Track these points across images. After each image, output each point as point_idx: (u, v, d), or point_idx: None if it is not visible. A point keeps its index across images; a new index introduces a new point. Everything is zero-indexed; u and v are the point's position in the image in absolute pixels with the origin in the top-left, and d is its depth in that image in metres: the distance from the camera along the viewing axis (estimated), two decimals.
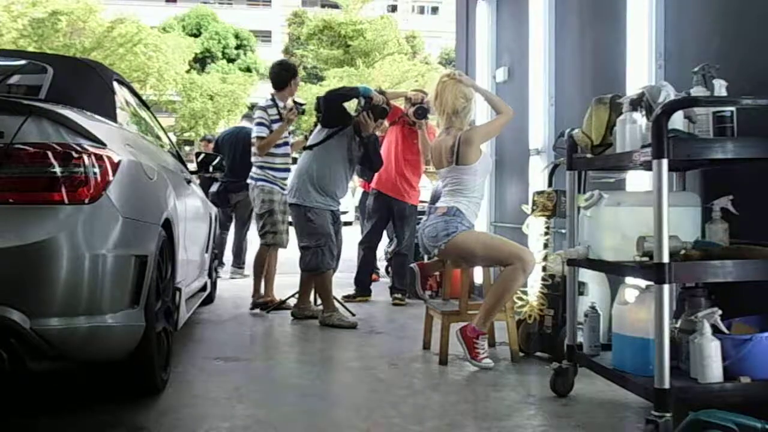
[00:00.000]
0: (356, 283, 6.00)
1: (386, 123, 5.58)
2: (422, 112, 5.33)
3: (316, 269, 4.83)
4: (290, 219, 5.13)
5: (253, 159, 5.42)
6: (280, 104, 5.36)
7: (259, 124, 5.25)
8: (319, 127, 4.98)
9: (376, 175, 5.75)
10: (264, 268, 5.40)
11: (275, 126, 5.26)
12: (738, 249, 2.54)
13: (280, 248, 5.44)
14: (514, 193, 5.37)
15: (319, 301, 5.09)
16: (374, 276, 7.38)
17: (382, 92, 5.03)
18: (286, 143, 5.40)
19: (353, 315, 5.05)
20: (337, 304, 4.98)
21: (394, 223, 5.90)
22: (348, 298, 5.76)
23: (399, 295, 5.78)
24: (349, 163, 4.96)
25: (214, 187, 7.36)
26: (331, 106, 4.83)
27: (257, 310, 5.34)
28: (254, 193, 5.35)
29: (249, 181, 5.44)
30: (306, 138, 5.40)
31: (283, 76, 5.43)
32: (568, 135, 3.10)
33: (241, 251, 7.65)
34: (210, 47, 33.02)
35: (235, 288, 6.65)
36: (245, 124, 7.61)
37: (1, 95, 2.73)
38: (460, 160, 3.76)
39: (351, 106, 5.00)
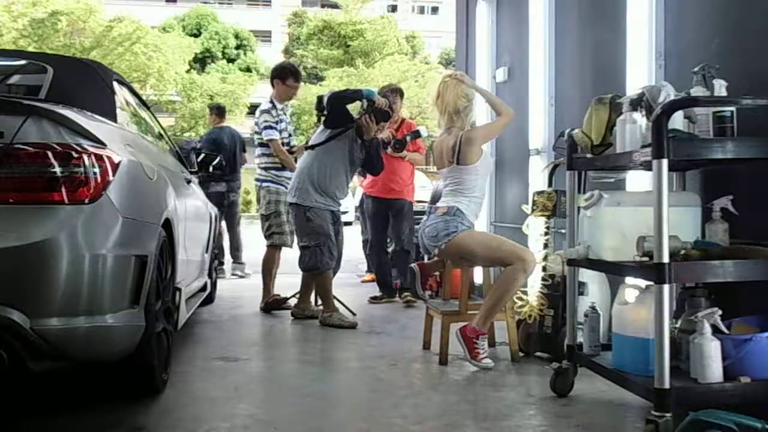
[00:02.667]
0: (380, 285, 5.98)
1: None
2: (400, 146, 5.50)
3: (315, 269, 4.83)
4: None
5: (256, 161, 5.50)
6: (279, 106, 5.46)
7: (268, 127, 5.37)
8: (321, 127, 5.00)
9: (369, 180, 5.81)
10: (273, 270, 5.42)
11: (279, 126, 5.38)
12: (738, 249, 2.54)
13: (284, 248, 5.47)
14: (514, 193, 5.37)
15: (319, 301, 5.09)
16: (372, 276, 7.39)
17: (385, 96, 5.05)
18: (288, 143, 5.48)
19: (354, 315, 5.05)
20: (337, 304, 4.98)
21: (392, 221, 5.89)
22: (375, 299, 5.82)
23: (409, 294, 5.67)
24: (350, 165, 4.96)
25: (220, 187, 7.36)
26: (334, 108, 4.85)
27: (273, 311, 5.35)
28: (260, 194, 5.43)
29: (254, 182, 5.54)
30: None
31: (271, 74, 5.63)
32: (568, 135, 3.10)
33: (239, 247, 7.67)
34: (210, 47, 33.01)
35: (235, 288, 6.65)
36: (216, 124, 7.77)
37: (1, 95, 2.73)
38: (462, 160, 3.76)
39: (354, 108, 5.02)
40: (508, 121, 3.95)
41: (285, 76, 5.51)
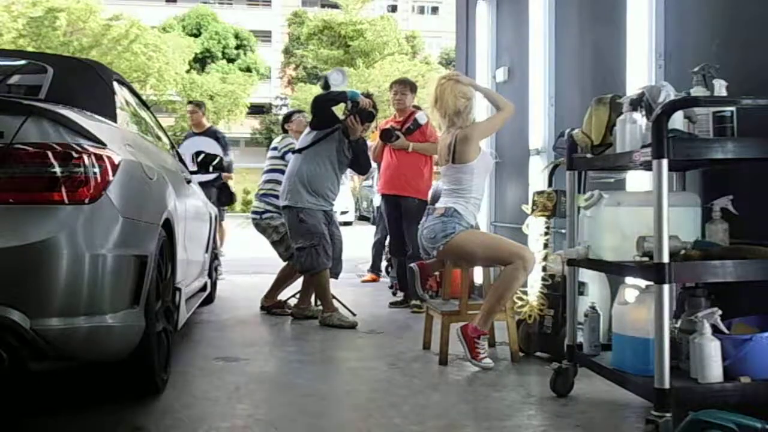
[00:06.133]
0: (402, 289, 5.79)
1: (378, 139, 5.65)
2: (388, 135, 5.38)
3: (311, 269, 4.85)
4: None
5: (260, 185, 5.57)
6: (296, 143, 5.50)
7: (292, 150, 5.39)
8: (308, 129, 5.06)
9: (381, 179, 5.73)
10: (288, 280, 5.42)
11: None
12: (738, 249, 2.54)
13: None
14: (514, 193, 5.37)
15: (319, 302, 5.09)
16: (374, 276, 7.40)
17: (368, 95, 5.05)
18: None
19: (354, 315, 5.05)
20: (337, 304, 4.98)
21: (403, 222, 5.51)
22: (395, 304, 5.66)
23: (417, 302, 5.30)
24: (338, 164, 5.00)
25: None
26: (319, 110, 4.93)
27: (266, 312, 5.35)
28: (262, 226, 5.45)
29: (252, 216, 5.57)
30: None
31: (281, 124, 6.06)
32: (568, 135, 3.10)
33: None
34: (210, 47, 33.02)
35: (235, 288, 6.65)
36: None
37: (1, 95, 2.73)
38: (458, 158, 3.75)
39: (339, 109, 5.06)
40: (508, 116, 3.90)
41: (288, 117, 6.00)
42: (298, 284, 5.24)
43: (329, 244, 4.89)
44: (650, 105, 2.59)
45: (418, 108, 5.69)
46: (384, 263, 7.42)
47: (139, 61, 22.83)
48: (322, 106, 4.93)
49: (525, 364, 3.68)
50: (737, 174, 2.87)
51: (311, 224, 4.83)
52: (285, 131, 5.87)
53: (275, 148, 5.64)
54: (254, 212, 5.55)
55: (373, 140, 6.05)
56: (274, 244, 5.45)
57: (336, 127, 4.92)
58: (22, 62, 3.32)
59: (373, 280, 7.32)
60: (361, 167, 5.28)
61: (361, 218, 20.01)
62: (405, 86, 5.68)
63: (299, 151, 4.98)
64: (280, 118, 6.34)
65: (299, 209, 4.85)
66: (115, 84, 3.21)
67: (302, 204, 4.85)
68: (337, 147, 4.94)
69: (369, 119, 4.98)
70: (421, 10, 42.18)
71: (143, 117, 3.78)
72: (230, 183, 7.45)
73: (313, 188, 4.87)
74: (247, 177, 20.66)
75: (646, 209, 2.43)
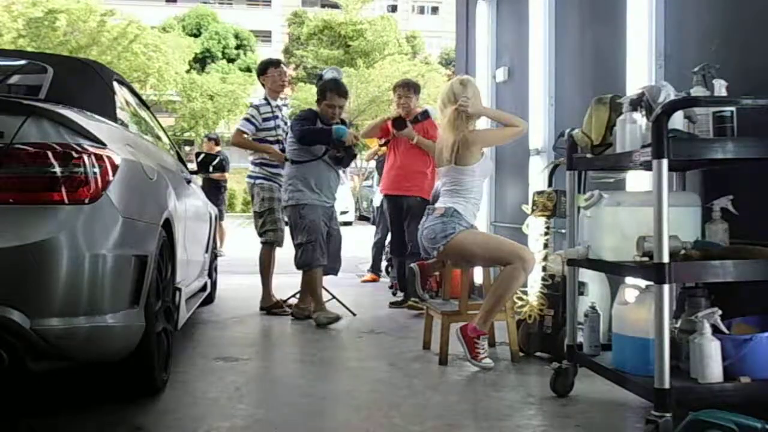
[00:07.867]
0: (402, 289, 5.78)
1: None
2: (401, 124, 5.35)
3: (308, 265, 4.89)
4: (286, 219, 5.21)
5: (250, 157, 5.48)
6: (273, 103, 5.46)
7: (246, 119, 5.36)
8: (291, 135, 5.07)
9: (385, 178, 5.73)
10: (270, 269, 5.41)
11: (268, 123, 5.34)
12: (738, 249, 2.54)
13: (278, 247, 5.46)
14: (514, 193, 5.37)
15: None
16: (374, 276, 7.40)
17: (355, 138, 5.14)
18: (279, 141, 5.42)
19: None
20: (337, 304, 4.99)
21: (406, 221, 5.50)
22: (395, 304, 5.64)
23: (416, 300, 5.24)
24: (332, 160, 5.06)
25: None
26: (303, 143, 4.96)
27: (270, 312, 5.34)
28: (253, 192, 5.43)
29: (247, 179, 5.51)
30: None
31: (257, 76, 5.66)
32: (568, 135, 3.10)
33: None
34: (210, 47, 33.04)
35: (235, 288, 6.65)
36: None
37: (1, 95, 2.73)
38: (459, 161, 3.76)
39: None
40: (518, 133, 3.92)
41: (264, 69, 5.60)
42: (297, 284, 5.23)
43: (325, 242, 4.94)
44: (650, 105, 2.59)
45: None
46: (384, 263, 7.42)
47: (138, 61, 22.80)
48: (307, 142, 4.96)
49: (525, 364, 3.68)
50: (737, 174, 2.87)
51: (310, 219, 4.87)
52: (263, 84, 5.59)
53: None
54: (249, 176, 5.48)
55: (372, 144, 6.10)
56: (254, 214, 5.45)
57: (320, 156, 4.97)
58: (22, 62, 3.32)
59: (373, 280, 7.32)
60: (342, 162, 5.28)
61: (361, 218, 20.01)
62: (409, 89, 5.65)
63: (292, 162, 5.02)
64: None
65: (301, 206, 4.90)
66: (115, 84, 3.21)
67: (305, 201, 4.90)
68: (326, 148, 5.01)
69: (353, 158, 5.20)
70: (421, 10, 42.21)
71: (143, 117, 3.78)
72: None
73: (315, 184, 4.93)
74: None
75: (646, 209, 2.43)
